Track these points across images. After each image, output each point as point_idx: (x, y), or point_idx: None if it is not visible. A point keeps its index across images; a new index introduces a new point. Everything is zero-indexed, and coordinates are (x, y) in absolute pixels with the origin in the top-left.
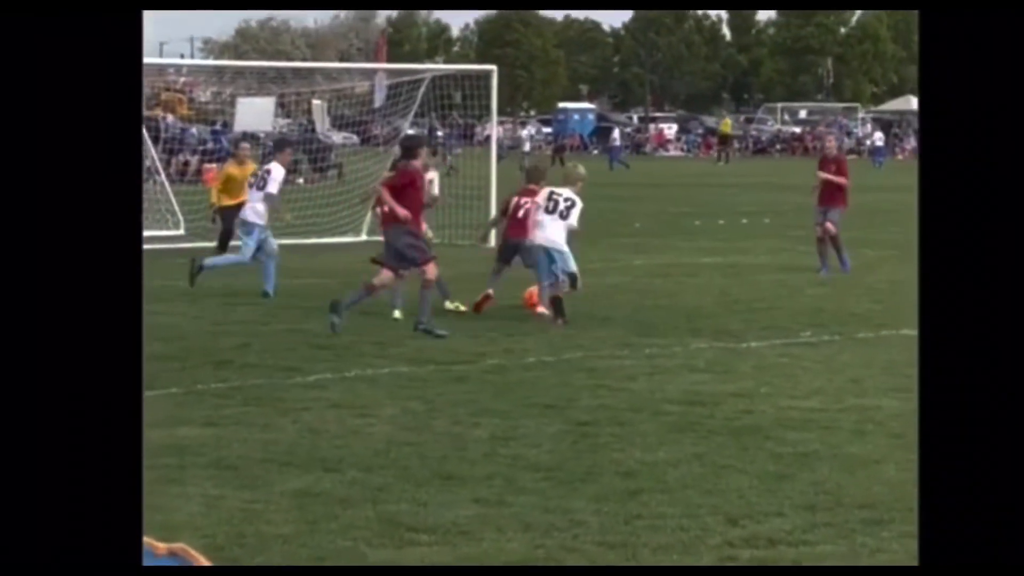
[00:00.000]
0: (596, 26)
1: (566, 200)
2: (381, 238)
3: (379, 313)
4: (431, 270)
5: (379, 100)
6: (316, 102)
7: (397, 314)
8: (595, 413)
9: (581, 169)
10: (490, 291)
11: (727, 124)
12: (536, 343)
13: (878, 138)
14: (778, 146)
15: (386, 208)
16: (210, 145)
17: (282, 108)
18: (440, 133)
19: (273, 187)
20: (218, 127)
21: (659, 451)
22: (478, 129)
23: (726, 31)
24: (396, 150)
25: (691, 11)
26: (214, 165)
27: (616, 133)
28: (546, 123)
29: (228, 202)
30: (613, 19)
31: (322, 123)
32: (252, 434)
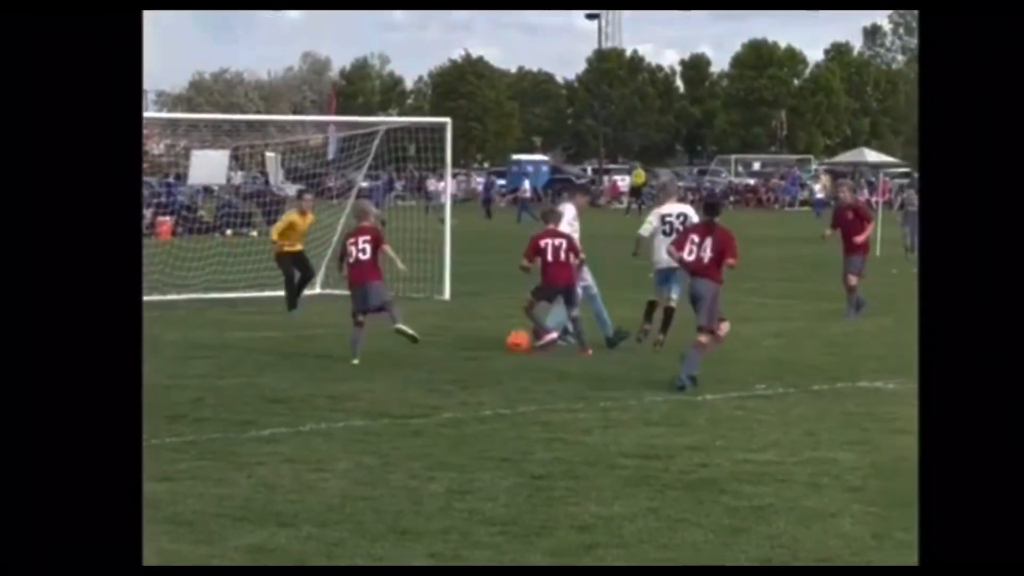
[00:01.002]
0: (550, 78)
1: (679, 216)
2: (337, 291)
3: (333, 367)
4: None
5: (333, 152)
6: (270, 155)
7: (356, 361)
8: (550, 466)
9: (665, 178)
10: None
11: (639, 175)
12: (492, 396)
13: (817, 189)
14: (732, 198)
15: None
16: (164, 198)
17: (236, 161)
18: (397, 185)
19: None
20: (171, 180)
21: (614, 505)
22: (431, 181)
23: (679, 83)
24: (365, 205)
25: (644, 63)
26: (168, 218)
27: (526, 184)
28: (500, 175)
29: (288, 249)
30: (567, 71)
31: (276, 176)
32: (207, 488)
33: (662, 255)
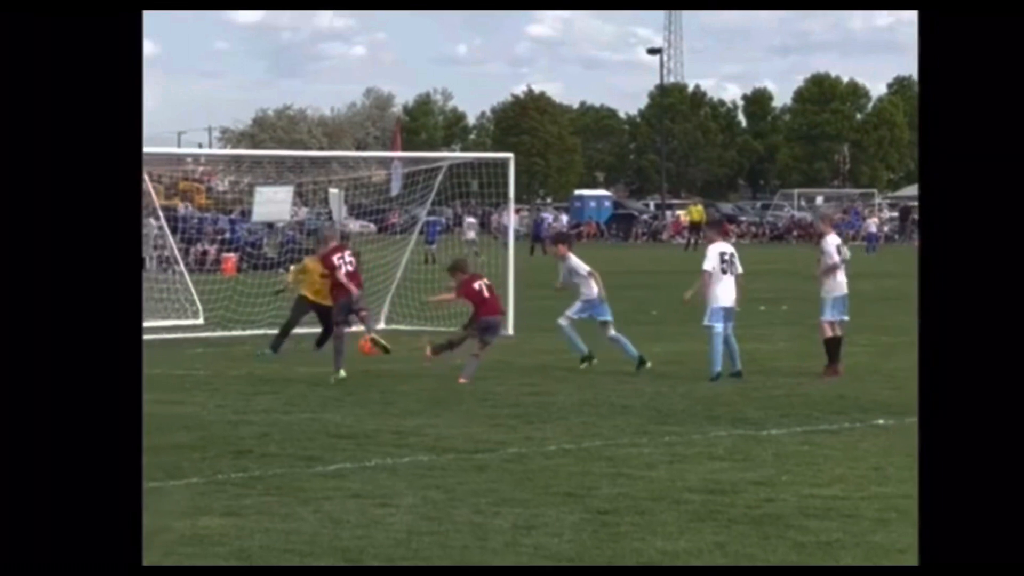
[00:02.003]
0: (612, 113)
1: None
2: (402, 326)
3: (398, 402)
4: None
5: (396, 188)
6: (333, 191)
7: (343, 374)
8: (615, 502)
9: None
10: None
11: (698, 211)
12: (556, 431)
13: (871, 224)
14: (795, 232)
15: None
16: (228, 235)
17: (300, 197)
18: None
19: None
20: (235, 216)
21: (680, 540)
22: (494, 217)
23: (742, 118)
24: (329, 228)
25: (707, 98)
26: (232, 255)
27: (564, 219)
28: (563, 210)
29: (311, 298)
30: (629, 106)
31: (339, 212)
32: (273, 524)
33: (723, 292)
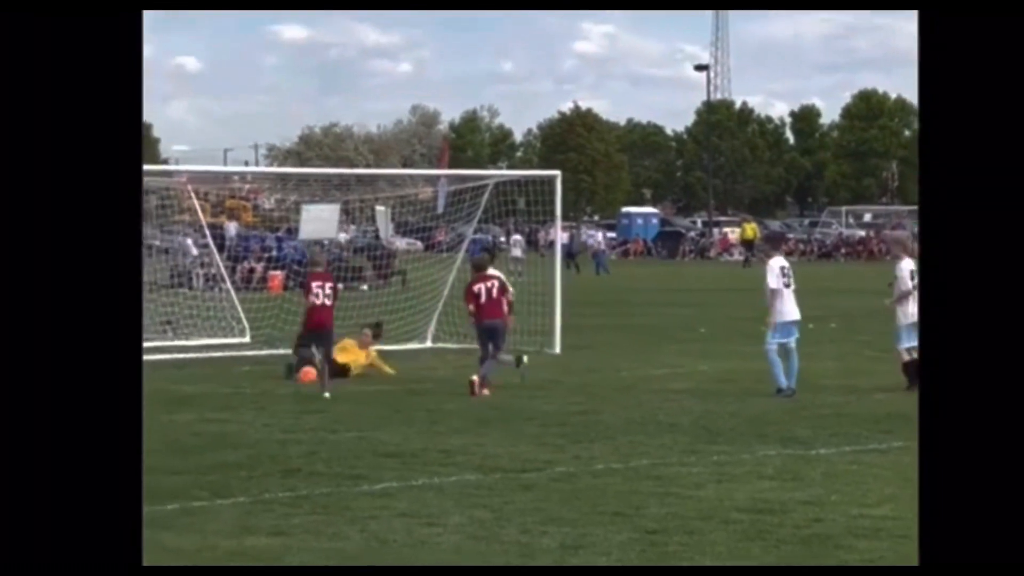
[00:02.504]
0: (659, 130)
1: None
2: (448, 344)
3: (444, 421)
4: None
5: (442, 206)
6: (380, 208)
7: (327, 395)
8: (664, 521)
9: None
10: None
11: (751, 228)
12: (604, 450)
13: None
14: (843, 250)
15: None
16: (274, 252)
17: (346, 215)
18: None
19: None
20: (282, 234)
21: (729, 560)
22: (541, 234)
23: (789, 135)
24: (317, 253)
25: (754, 115)
26: (279, 272)
27: (600, 236)
28: (610, 227)
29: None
30: (676, 123)
31: (386, 229)
32: (319, 543)
33: (786, 307)
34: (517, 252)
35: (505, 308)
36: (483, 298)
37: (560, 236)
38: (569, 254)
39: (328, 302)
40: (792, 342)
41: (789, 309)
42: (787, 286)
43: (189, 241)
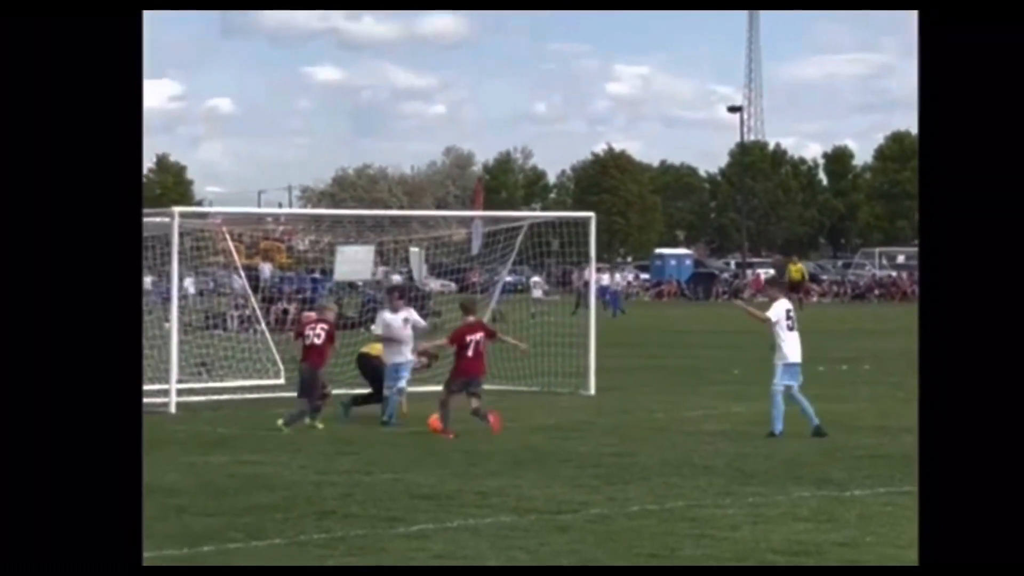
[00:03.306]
0: (692, 172)
1: (793, 311)
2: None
3: (479, 462)
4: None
5: (476, 247)
6: (414, 250)
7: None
8: (699, 563)
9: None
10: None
11: (799, 270)
12: (639, 491)
13: None
14: (876, 291)
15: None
16: (309, 294)
17: (380, 256)
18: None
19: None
20: (317, 275)
21: None
22: (575, 275)
23: (823, 176)
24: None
25: (787, 156)
26: (313, 314)
27: (610, 276)
28: (643, 269)
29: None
30: (709, 164)
31: (420, 271)
32: None
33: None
34: (538, 293)
35: (485, 363)
36: (470, 352)
37: (594, 278)
38: (580, 295)
39: (318, 341)
40: (796, 386)
41: (791, 352)
42: (791, 329)
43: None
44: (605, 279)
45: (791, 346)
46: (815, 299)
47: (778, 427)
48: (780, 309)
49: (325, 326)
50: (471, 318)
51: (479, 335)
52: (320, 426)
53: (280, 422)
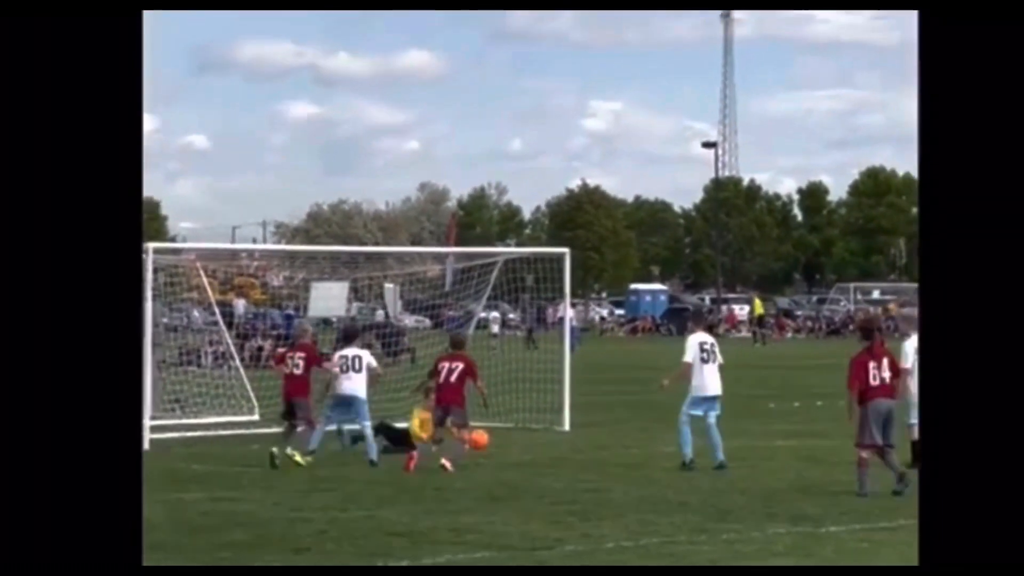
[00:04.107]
0: (667, 207)
1: (712, 344)
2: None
3: (453, 499)
4: None
5: (450, 283)
6: (388, 286)
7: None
8: None
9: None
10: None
11: (759, 306)
12: (614, 528)
13: None
14: (851, 327)
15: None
16: (283, 330)
17: (355, 292)
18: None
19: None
20: (291, 311)
21: None
22: (549, 311)
23: (797, 212)
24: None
25: (762, 192)
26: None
27: (571, 310)
28: (618, 304)
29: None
30: (684, 200)
31: (394, 307)
32: None
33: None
34: (494, 328)
35: (462, 393)
36: (441, 378)
37: (569, 313)
38: (531, 330)
39: (297, 371)
40: (712, 417)
41: (708, 384)
42: (705, 361)
43: (196, 313)
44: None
45: (702, 379)
46: (789, 335)
47: (687, 454)
48: (694, 344)
49: (303, 354)
50: (455, 351)
51: (456, 364)
52: (299, 459)
53: (296, 456)
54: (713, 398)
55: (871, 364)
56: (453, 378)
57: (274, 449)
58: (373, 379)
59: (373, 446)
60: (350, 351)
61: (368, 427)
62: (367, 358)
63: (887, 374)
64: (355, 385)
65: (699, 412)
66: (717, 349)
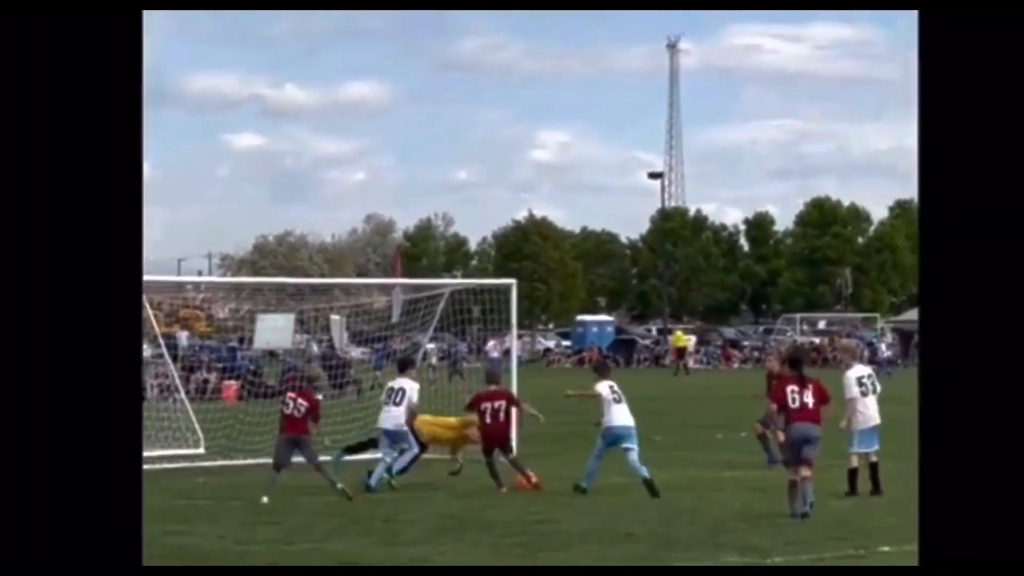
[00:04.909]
0: (613, 238)
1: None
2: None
3: (401, 531)
4: None
5: (397, 315)
6: (334, 317)
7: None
8: None
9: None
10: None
11: (679, 338)
12: (563, 559)
13: (884, 347)
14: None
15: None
16: (229, 363)
17: (301, 324)
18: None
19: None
20: (234, 343)
21: None
22: (491, 343)
23: (744, 242)
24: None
25: (708, 222)
26: (233, 382)
27: (492, 343)
28: (565, 336)
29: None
30: (630, 231)
31: (340, 339)
32: None
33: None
34: (433, 360)
35: (509, 429)
36: (488, 418)
37: (516, 344)
38: (454, 362)
39: (297, 414)
40: (629, 449)
41: (618, 418)
42: (617, 401)
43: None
44: (490, 345)
45: (613, 415)
46: (736, 365)
47: (587, 482)
48: (604, 386)
49: (306, 404)
50: (492, 386)
51: (499, 403)
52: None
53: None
54: (627, 427)
55: (792, 387)
56: (501, 417)
57: (340, 485)
58: (411, 414)
59: (380, 475)
60: (396, 382)
61: (391, 459)
62: (409, 391)
63: (809, 400)
64: (390, 418)
65: (612, 445)
66: (620, 391)
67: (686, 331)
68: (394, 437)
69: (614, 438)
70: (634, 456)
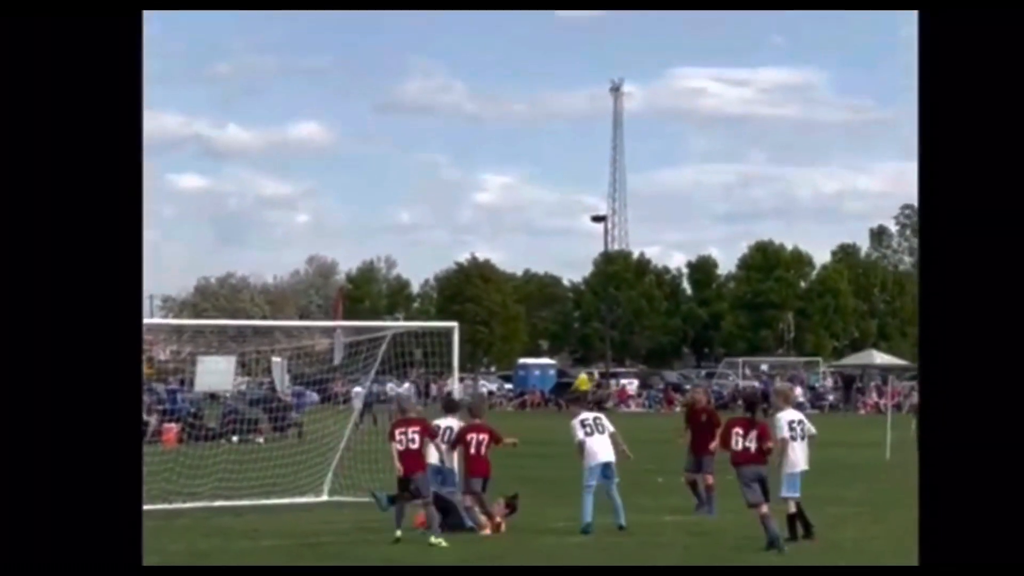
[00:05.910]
0: (556, 281)
1: (596, 417)
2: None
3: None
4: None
5: (338, 358)
6: (276, 360)
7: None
8: None
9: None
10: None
11: (583, 381)
12: None
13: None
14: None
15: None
16: (169, 405)
17: (242, 366)
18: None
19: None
20: (174, 386)
21: None
22: (434, 386)
23: (687, 285)
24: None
25: (651, 265)
26: (173, 425)
27: (407, 386)
28: (507, 379)
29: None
30: (573, 274)
31: (282, 381)
32: None
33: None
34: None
35: (488, 464)
36: (472, 449)
37: (457, 387)
38: (366, 405)
39: (413, 447)
40: (610, 485)
41: (599, 451)
42: (589, 435)
43: None
44: (390, 387)
45: (591, 449)
46: (677, 408)
47: (586, 520)
48: (577, 424)
49: (417, 428)
50: (476, 420)
51: (482, 436)
52: (443, 543)
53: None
54: (607, 464)
55: (737, 429)
56: (483, 451)
57: (399, 533)
58: (450, 451)
59: (435, 516)
60: (444, 421)
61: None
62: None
63: (752, 444)
64: (441, 455)
65: (594, 481)
66: (604, 421)
67: (628, 374)
68: (442, 474)
69: (596, 473)
70: (613, 490)
